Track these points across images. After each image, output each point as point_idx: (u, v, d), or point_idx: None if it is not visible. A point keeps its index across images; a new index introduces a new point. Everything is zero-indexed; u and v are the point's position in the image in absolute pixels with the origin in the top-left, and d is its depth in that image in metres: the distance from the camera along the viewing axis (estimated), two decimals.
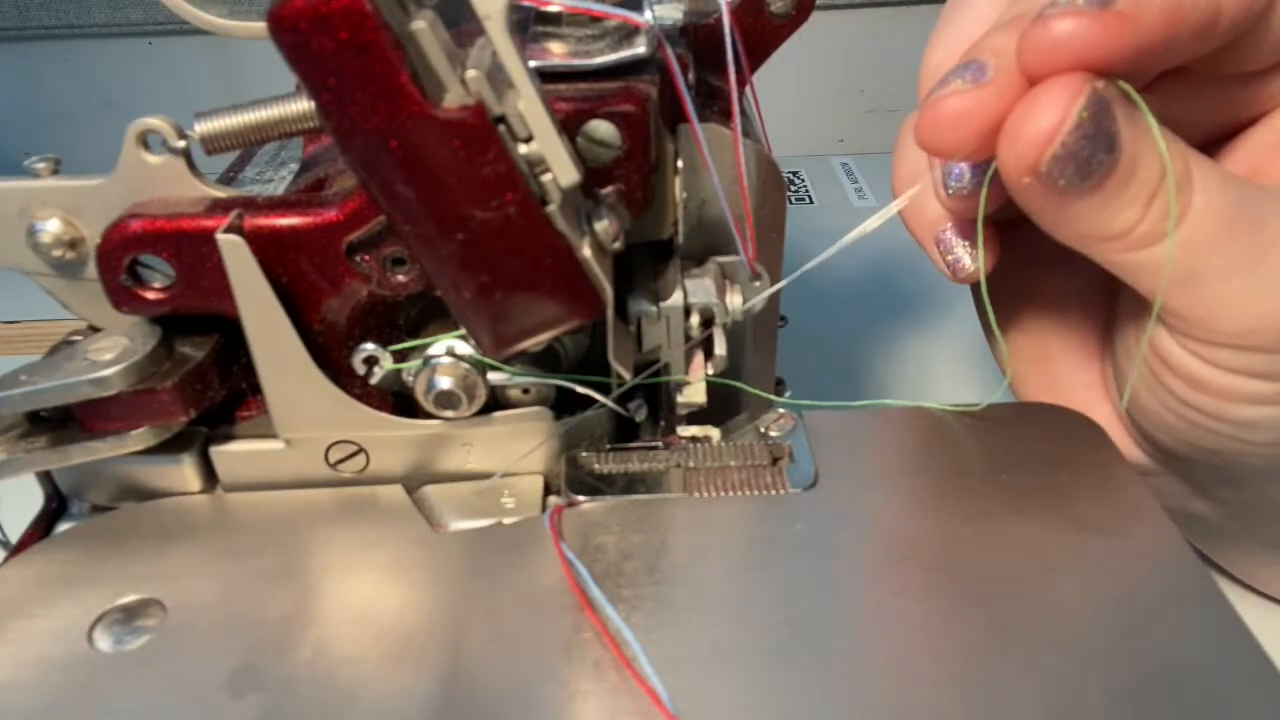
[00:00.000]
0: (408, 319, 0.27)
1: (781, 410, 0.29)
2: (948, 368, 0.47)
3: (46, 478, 0.28)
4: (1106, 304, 0.31)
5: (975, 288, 0.31)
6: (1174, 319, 0.25)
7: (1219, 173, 0.24)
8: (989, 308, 0.29)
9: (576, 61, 0.25)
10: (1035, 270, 0.31)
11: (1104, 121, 0.22)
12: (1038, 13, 0.22)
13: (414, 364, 0.26)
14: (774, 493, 0.26)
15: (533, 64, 0.22)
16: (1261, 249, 0.23)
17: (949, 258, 0.28)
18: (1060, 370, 0.31)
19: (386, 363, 0.26)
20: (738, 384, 0.29)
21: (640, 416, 0.29)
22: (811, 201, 0.67)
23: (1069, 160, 0.22)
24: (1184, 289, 0.24)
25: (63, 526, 0.28)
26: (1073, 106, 0.22)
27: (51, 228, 0.25)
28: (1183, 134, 0.27)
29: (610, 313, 0.25)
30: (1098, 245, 0.24)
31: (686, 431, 0.28)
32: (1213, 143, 0.28)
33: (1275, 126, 0.27)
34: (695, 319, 0.27)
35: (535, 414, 0.27)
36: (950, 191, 0.27)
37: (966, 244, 0.28)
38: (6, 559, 0.26)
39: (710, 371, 0.28)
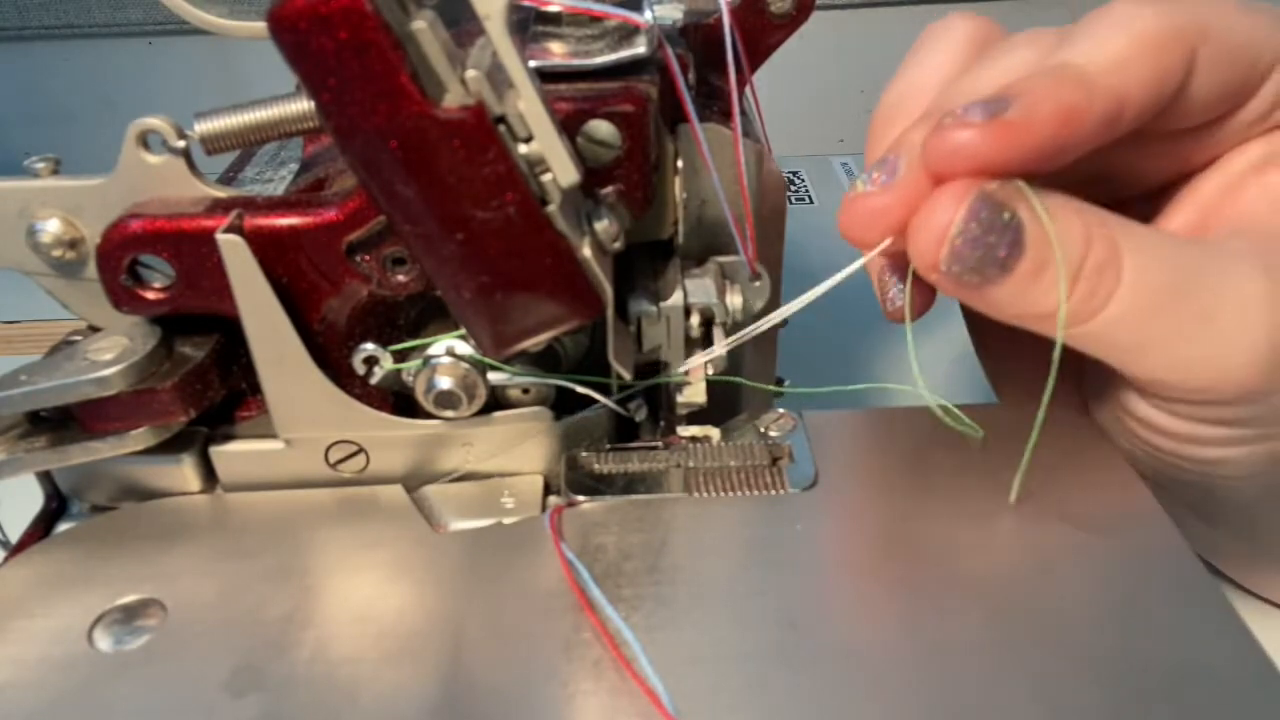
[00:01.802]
0: (408, 319, 0.27)
1: (781, 410, 0.29)
2: (949, 369, 0.47)
3: (46, 478, 0.28)
4: None
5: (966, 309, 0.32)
6: (1128, 380, 0.26)
7: (1156, 244, 0.25)
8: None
9: (576, 61, 0.25)
10: None
11: (995, 222, 0.23)
12: (938, 120, 0.24)
13: (414, 364, 0.26)
14: (774, 493, 0.26)
15: (533, 64, 0.22)
16: (1207, 312, 0.24)
17: (886, 296, 0.29)
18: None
19: (386, 363, 0.26)
20: (737, 379, 0.29)
21: (640, 416, 0.29)
22: (811, 201, 0.67)
23: (965, 258, 0.23)
24: (1135, 358, 0.25)
25: (63, 526, 0.28)
26: (958, 211, 0.23)
27: (51, 228, 0.25)
28: (1137, 184, 0.28)
29: (610, 313, 0.25)
30: (1033, 325, 0.25)
31: (686, 431, 0.28)
32: (1168, 187, 0.29)
33: (1226, 170, 0.27)
34: (695, 319, 0.27)
35: (535, 414, 0.27)
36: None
37: (900, 286, 0.28)
38: (6, 559, 0.26)
39: (710, 371, 0.28)
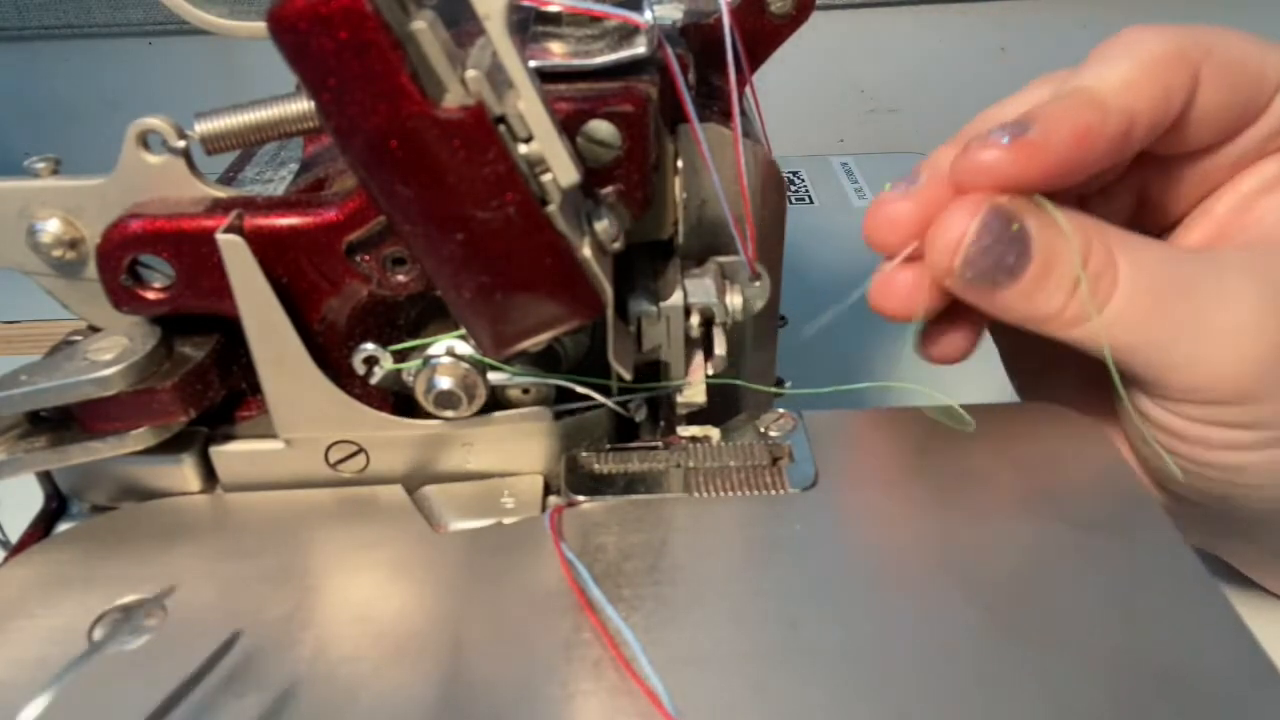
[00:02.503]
0: (408, 319, 0.27)
1: (781, 410, 0.29)
2: (949, 368, 0.47)
3: (46, 478, 0.28)
4: None
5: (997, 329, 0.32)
6: (1135, 381, 0.27)
7: (1152, 253, 0.26)
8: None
9: (576, 61, 0.25)
10: None
11: (1004, 232, 0.25)
12: (968, 141, 0.26)
13: (414, 364, 0.26)
14: (774, 493, 0.26)
15: (533, 64, 0.22)
16: (1198, 315, 0.26)
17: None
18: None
19: (386, 363, 0.26)
20: (737, 380, 0.29)
21: (640, 416, 0.29)
22: (811, 201, 0.67)
23: (977, 264, 0.26)
24: (1132, 356, 0.26)
25: (63, 526, 0.28)
26: (971, 222, 0.25)
27: (51, 228, 0.25)
28: (1165, 214, 0.30)
29: (610, 313, 0.25)
30: (1037, 327, 0.27)
31: (686, 431, 0.28)
32: (1193, 209, 0.30)
33: (1238, 189, 0.29)
34: (695, 319, 0.27)
35: (535, 414, 0.27)
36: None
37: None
38: (6, 559, 0.26)
39: (710, 371, 0.28)
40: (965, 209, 0.25)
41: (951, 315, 0.28)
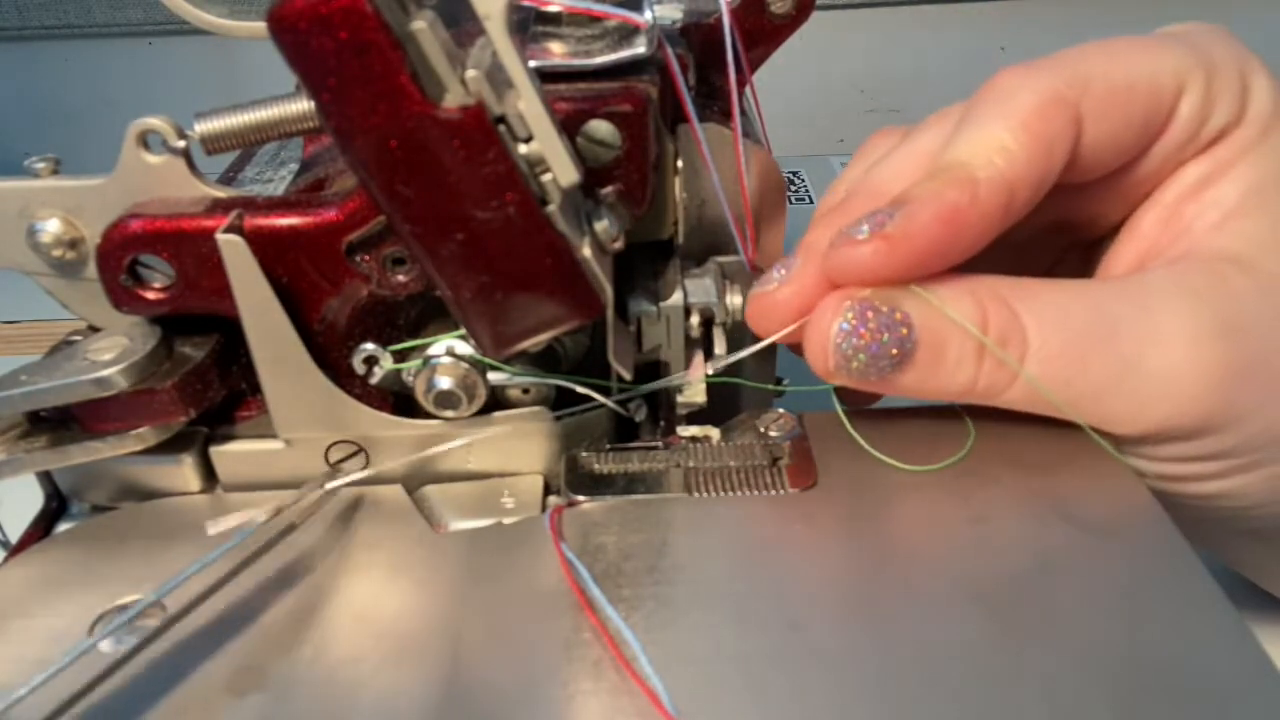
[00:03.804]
0: (408, 319, 0.27)
1: (781, 410, 0.29)
2: None
3: (46, 478, 0.28)
4: None
5: None
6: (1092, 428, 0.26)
7: (1061, 300, 0.25)
8: None
9: (576, 61, 0.25)
10: None
11: (876, 324, 0.24)
12: (834, 235, 0.25)
13: (414, 364, 0.26)
14: (774, 493, 0.26)
15: (533, 64, 0.22)
16: (1130, 358, 0.24)
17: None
18: None
19: (386, 363, 0.26)
20: (737, 379, 0.29)
21: (640, 416, 0.29)
22: (811, 202, 0.67)
23: (853, 361, 0.24)
24: (1073, 412, 0.25)
25: (63, 526, 0.28)
26: (835, 322, 0.24)
27: (51, 228, 0.25)
28: (1095, 228, 0.29)
29: (610, 313, 0.25)
30: (960, 401, 0.26)
31: (686, 431, 0.28)
32: (1119, 226, 0.29)
33: (1160, 201, 0.27)
34: (695, 319, 0.27)
35: (535, 414, 0.27)
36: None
37: None
38: (6, 559, 0.26)
39: (710, 371, 0.28)
40: (829, 308, 0.24)
41: None
